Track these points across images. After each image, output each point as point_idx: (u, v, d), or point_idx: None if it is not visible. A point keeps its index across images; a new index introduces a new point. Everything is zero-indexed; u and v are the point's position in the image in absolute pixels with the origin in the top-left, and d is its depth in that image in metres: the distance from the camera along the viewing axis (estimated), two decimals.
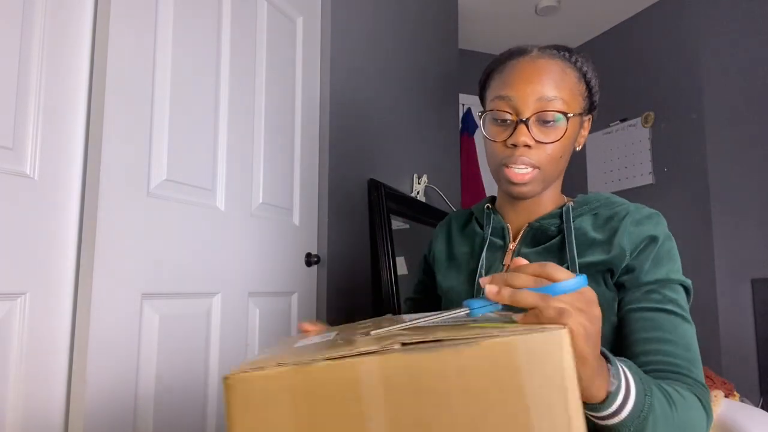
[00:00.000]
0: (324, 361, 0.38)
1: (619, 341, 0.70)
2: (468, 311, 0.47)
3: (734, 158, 2.62)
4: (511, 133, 0.73)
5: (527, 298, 0.45)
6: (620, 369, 0.51)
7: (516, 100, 0.72)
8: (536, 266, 0.47)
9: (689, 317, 0.68)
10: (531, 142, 0.72)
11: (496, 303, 0.47)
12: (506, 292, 0.46)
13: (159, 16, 1.13)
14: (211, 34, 1.28)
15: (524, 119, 0.72)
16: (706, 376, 1.52)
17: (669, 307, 0.67)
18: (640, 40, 3.09)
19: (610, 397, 0.49)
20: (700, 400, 0.61)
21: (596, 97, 0.79)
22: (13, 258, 0.89)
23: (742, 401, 1.35)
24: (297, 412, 0.39)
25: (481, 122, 0.78)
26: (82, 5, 1.03)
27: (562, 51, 0.76)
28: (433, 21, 2.48)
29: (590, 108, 0.79)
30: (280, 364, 0.39)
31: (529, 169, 0.73)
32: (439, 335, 0.39)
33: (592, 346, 0.46)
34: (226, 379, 0.40)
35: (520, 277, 0.47)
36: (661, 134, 2.91)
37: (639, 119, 3.03)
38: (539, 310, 0.44)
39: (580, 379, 0.43)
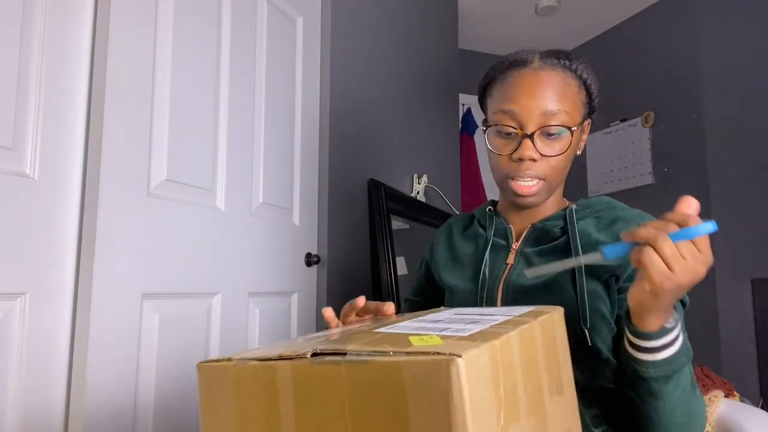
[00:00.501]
0: (254, 361, 0.42)
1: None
2: (601, 255, 0.57)
3: (734, 158, 2.62)
4: (516, 147, 0.74)
5: (647, 235, 0.54)
6: (679, 324, 0.60)
7: (519, 114, 0.73)
8: (675, 216, 0.54)
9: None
10: (536, 156, 0.73)
11: (627, 243, 0.56)
12: (642, 232, 0.54)
13: (159, 16, 1.13)
14: (211, 34, 1.28)
15: (529, 134, 0.73)
16: (706, 376, 1.52)
17: None
18: (640, 40, 3.09)
19: (661, 331, 0.58)
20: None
21: (596, 102, 0.80)
22: (13, 258, 0.89)
23: (742, 401, 1.35)
24: (236, 402, 0.44)
25: (485, 136, 0.78)
26: (82, 5, 1.03)
27: (562, 59, 0.76)
28: (433, 21, 2.48)
29: (590, 112, 0.80)
30: (229, 359, 0.44)
31: (535, 182, 0.75)
32: (349, 347, 0.39)
33: (672, 293, 0.54)
34: (198, 365, 0.45)
35: (670, 227, 0.53)
36: (661, 134, 2.91)
37: (639, 119, 3.03)
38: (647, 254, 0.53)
39: (645, 305, 0.56)
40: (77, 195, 1.00)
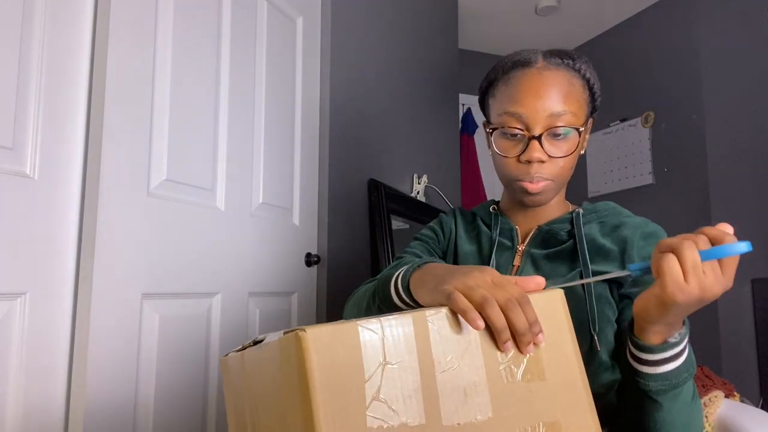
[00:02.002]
0: (235, 351, 0.57)
1: (622, 348, 0.70)
2: (629, 273, 0.57)
3: (734, 158, 2.62)
4: (524, 149, 0.73)
5: (671, 242, 0.52)
6: (685, 339, 0.58)
7: (526, 117, 0.72)
8: (710, 231, 0.52)
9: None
10: (545, 158, 0.72)
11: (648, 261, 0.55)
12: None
13: (159, 16, 1.13)
14: (211, 34, 1.28)
15: (536, 135, 0.72)
16: (706, 376, 1.52)
17: None
18: (640, 40, 3.09)
19: (664, 345, 0.57)
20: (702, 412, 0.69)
21: (599, 101, 0.80)
22: (13, 258, 0.89)
23: (742, 401, 1.35)
24: (235, 382, 0.60)
25: (491, 138, 0.77)
26: (82, 5, 1.03)
27: (565, 59, 0.75)
28: (433, 21, 2.48)
29: (593, 110, 0.80)
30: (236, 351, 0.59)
31: (544, 181, 0.74)
32: (271, 336, 0.48)
33: (681, 307, 0.52)
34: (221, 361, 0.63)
35: (700, 240, 0.51)
36: (661, 134, 2.91)
37: (639, 119, 3.03)
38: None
39: (650, 315, 0.54)
40: (77, 195, 1.00)
